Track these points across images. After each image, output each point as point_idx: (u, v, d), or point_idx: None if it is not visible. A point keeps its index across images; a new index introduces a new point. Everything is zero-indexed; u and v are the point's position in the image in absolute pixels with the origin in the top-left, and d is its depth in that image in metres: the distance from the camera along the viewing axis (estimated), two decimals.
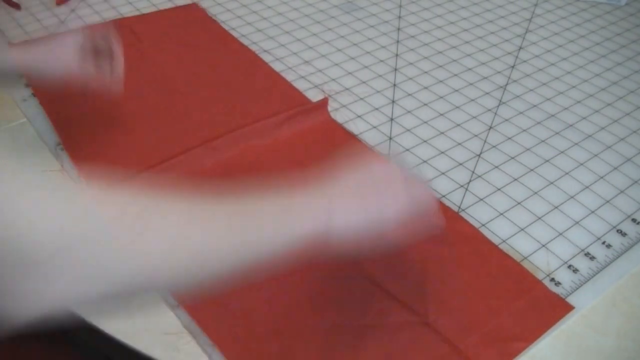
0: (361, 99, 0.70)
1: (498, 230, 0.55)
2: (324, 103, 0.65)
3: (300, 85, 0.70)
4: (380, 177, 0.40)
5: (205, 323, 0.45)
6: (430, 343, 0.46)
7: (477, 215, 0.56)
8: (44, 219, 0.31)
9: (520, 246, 0.53)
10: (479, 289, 0.49)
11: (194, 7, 0.83)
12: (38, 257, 0.30)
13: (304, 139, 0.61)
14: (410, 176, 0.42)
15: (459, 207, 0.57)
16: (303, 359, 0.44)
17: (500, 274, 0.51)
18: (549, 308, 0.48)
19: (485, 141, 0.65)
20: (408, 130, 0.65)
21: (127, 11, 0.83)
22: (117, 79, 0.54)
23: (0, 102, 0.67)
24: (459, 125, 0.67)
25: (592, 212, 0.57)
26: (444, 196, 0.58)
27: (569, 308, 0.48)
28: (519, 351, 0.45)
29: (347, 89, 0.71)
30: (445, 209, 0.56)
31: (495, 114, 0.69)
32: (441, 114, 0.68)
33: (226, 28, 0.80)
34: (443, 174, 0.60)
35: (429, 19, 0.86)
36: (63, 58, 0.52)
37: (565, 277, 0.51)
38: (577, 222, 0.56)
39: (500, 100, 0.71)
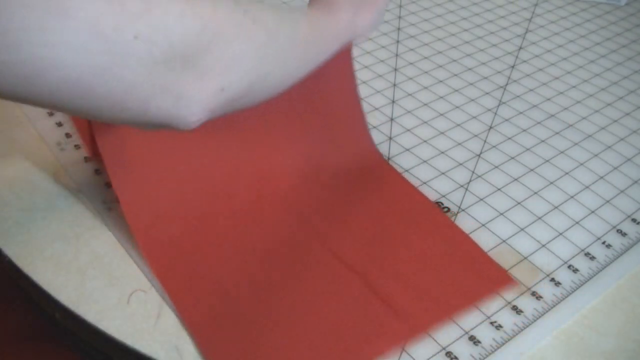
0: (361, 98, 0.69)
1: (498, 230, 0.55)
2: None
3: None
4: None
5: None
6: (368, 300, 0.48)
7: (477, 215, 0.56)
8: None
9: (520, 246, 0.53)
10: (426, 258, 0.51)
11: None
12: None
13: None
14: None
15: (459, 207, 0.57)
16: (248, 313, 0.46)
17: (450, 245, 0.53)
18: (492, 280, 0.50)
19: (485, 141, 0.65)
20: (408, 130, 0.65)
21: None
22: None
23: (0, 102, 0.67)
24: (459, 125, 0.67)
25: (592, 212, 0.57)
26: (443, 196, 0.58)
27: (513, 283, 0.50)
28: (453, 313, 0.48)
29: None
30: (404, 182, 0.58)
31: (495, 114, 0.69)
32: (441, 114, 0.68)
33: None
34: (443, 174, 0.60)
35: (429, 19, 0.86)
36: None
37: (565, 277, 0.51)
38: (577, 222, 0.56)
39: (500, 100, 0.71)
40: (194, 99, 0.32)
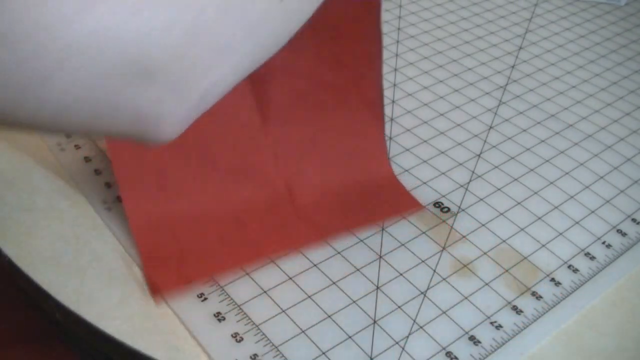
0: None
1: (498, 230, 0.55)
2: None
3: None
4: None
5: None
6: (279, 197, 0.50)
7: (477, 215, 0.56)
8: None
9: (520, 246, 0.53)
10: (343, 170, 0.54)
11: None
12: None
13: None
14: None
15: (459, 207, 0.57)
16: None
17: (369, 168, 0.55)
18: (398, 202, 0.54)
19: (485, 141, 0.65)
20: (408, 130, 0.65)
21: None
22: None
23: None
24: (459, 125, 0.67)
25: (592, 212, 0.57)
26: (443, 196, 0.58)
27: (418, 206, 0.54)
28: (355, 226, 0.51)
29: None
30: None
31: (495, 114, 0.69)
32: (441, 114, 0.68)
33: None
34: (443, 174, 0.60)
35: (429, 19, 0.86)
36: None
37: (565, 277, 0.51)
38: (577, 222, 0.56)
39: (500, 100, 0.71)
40: (165, 120, 0.26)
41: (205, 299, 0.47)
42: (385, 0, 0.89)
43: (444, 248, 0.53)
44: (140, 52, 0.22)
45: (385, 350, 0.46)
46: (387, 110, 0.68)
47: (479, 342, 0.46)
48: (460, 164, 0.62)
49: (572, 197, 0.59)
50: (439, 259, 0.52)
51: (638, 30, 0.86)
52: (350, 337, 0.46)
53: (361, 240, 0.53)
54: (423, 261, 0.52)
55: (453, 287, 0.50)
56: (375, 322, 0.48)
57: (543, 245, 0.54)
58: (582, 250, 0.54)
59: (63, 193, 0.56)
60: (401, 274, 0.51)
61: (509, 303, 0.49)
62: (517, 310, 0.49)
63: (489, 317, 0.48)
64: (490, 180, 0.60)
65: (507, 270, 0.52)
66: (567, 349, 0.46)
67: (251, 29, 0.26)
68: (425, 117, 0.68)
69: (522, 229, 0.55)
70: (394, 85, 0.72)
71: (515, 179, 0.60)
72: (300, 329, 0.47)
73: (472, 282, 0.51)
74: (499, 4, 0.91)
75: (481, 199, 0.58)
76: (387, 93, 0.71)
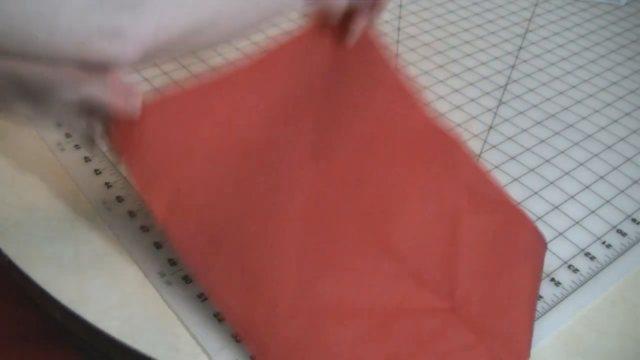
0: None
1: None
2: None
3: None
4: None
5: (226, 301, 0.42)
6: (457, 330, 0.43)
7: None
8: None
9: None
10: (509, 266, 0.47)
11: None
12: None
13: None
14: None
15: None
16: (328, 340, 0.42)
17: (526, 246, 0.49)
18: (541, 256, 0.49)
19: (485, 141, 0.65)
20: None
21: None
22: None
23: None
24: (459, 125, 0.67)
25: (592, 212, 0.57)
26: None
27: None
28: (534, 317, 0.45)
29: None
30: (484, 174, 0.51)
31: (495, 114, 0.69)
32: (441, 114, 0.68)
33: None
34: None
35: (429, 19, 0.86)
36: None
37: (565, 277, 0.51)
38: (577, 222, 0.56)
39: (500, 100, 0.71)
40: (128, 37, 0.33)
41: (205, 299, 0.47)
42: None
43: None
44: None
45: None
46: None
47: None
48: None
49: (572, 197, 0.59)
50: None
51: (638, 30, 0.86)
52: None
53: None
54: None
55: None
56: None
57: None
58: (582, 250, 0.54)
59: (63, 193, 0.56)
60: None
61: None
62: None
63: None
64: None
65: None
66: (567, 349, 0.46)
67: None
68: None
69: None
70: None
71: (515, 179, 0.60)
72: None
73: None
74: (499, 4, 0.90)
75: None
76: None
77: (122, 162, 0.44)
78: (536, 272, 0.48)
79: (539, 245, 0.50)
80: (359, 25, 0.51)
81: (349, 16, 0.49)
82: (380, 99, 0.50)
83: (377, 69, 0.51)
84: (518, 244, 0.49)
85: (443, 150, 0.50)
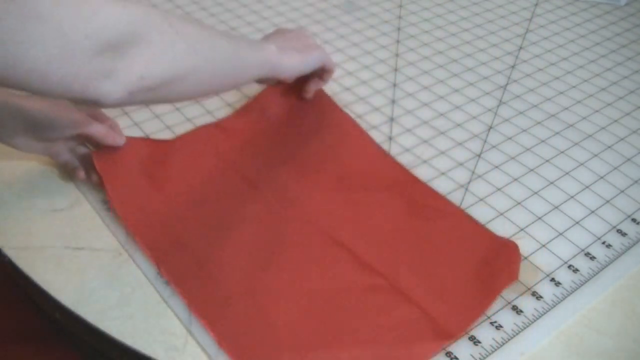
0: (361, 98, 0.70)
1: (498, 230, 0.55)
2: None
3: None
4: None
5: (183, 287, 0.48)
6: (400, 305, 0.48)
7: (477, 215, 0.56)
8: None
9: (520, 246, 0.53)
10: (451, 258, 0.52)
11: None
12: None
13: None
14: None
15: (460, 207, 0.57)
16: (276, 320, 0.46)
17: (473, 244, 0.53)
18: (514, 267, 0.51)
19: (485, 141, 0.65)
20: (408, 130, 0.65)
21: None
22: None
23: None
24: (459, 125, 0.67)
25: (592, 212, 0.57)
26: (444, 196, 0.58)
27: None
28: (485, 308, 0.48)
29: (347, 89, 0.71)
30: (427, 188, 0.58)
31: (495, 114, 0.69)
32: (441, 114, 0.68)
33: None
34: (443, 174, 0.60)
35: (429, 18, 0.86)
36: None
37: (565, 277, 0.51)
38: (577, 222, 0.56)
39: (500, 100, 0.71)
40: (118, 80, 0.40)
41: None
42: (385, 0, 0.89)
43: None
44: (117, 40, 0.40)
45: None
46: (387, 110, 0.68)
47: (479, 342, 0.46)
48: (460, 164, 0.62)
49: (572, 197, 0.59)
50: None
51: (638, 30, 0.86)
52: None
53: None
54: None
55: None
56: None
57: (543, 246, 0.54)
58: (582, 250, 0.54)
59: (63, 193, 0.56)
60: None
61: (509, 303, 0.49)
62: (517, 310, 0.49)
63: (489, 317, 0.48)
64: (491, 180, 0.60)
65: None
66: (567, 349, 0.46)
67: (175, 58, 0.44)
68: (425, 117, 0.67)
69: (522, 229, 0.55)
70: (394, 85, 0.72)
71: (515, 179, 0.60)
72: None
73: None
74: (499, 4, 0.90)
75: (481, 199, 0.58)
76: (387, 93, 0.71)
77: (101, 183, 0.55)
78: (486, 267, 0.51)
79: (493, 245, 0.53)
80: (312, 88, 0.65)
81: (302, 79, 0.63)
82: (334, 134, 0.64)
83: (329, 115, 0.66)
84: (463, 243, 0.53)
85: (388, 172, 0.60)
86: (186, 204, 0.55)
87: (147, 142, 0.60)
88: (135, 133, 0.63)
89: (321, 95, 0.67)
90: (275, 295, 0.48)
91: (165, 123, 0.64)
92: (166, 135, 0.63)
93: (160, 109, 0.66)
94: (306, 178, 0.59)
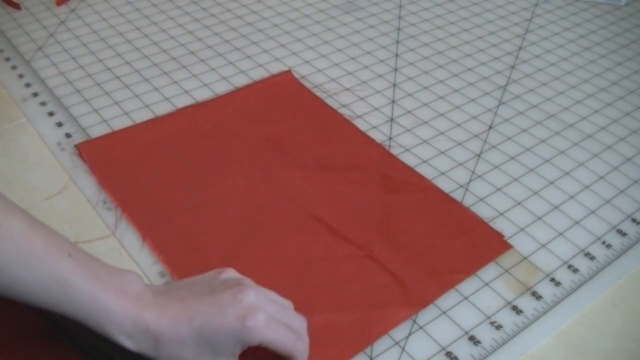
0: (361, 99, 0.70)
1: (498, 230, 0.55)
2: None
3: None
4: None
5: (166, 254, 0.51)
6: (374, 272, 0.50)
7: (478, 215, 0.56)
8: None
9: (520, 246, 0.53)
10: (424, 230, 0.54)
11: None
12: None
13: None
14: None
15: None
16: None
17: (445, 216, 0.55)
18: (489, 246, 0.53)
19: (485, 141, 0.65)
20: (408, 130, 0.65)
21: (127, 11, 0.83)
22: None
23: (0, 102, 0.67)
24: (459, 125, 0.67)
25: (592, 212, 0.57)
26: None
27: (507, 246, 0.53)
28: (457, 282, 0.50)
29: (347, 89, 0.71)
30: (400, 164, 0.61)
31: (495, 114, 0.69)
32: (441, 114, 0.68)
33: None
34: (443, 174, 0.60)
35: (429, 19, 0.86)
36: None
37: (565, 277, 0.51)
38: (577, 222, 0.56)
39: (500, 100, 0.71)
40: None
41: None
42: (385, 0, 0.90)
43: None
44: None
45: (386, 351, 0.46)
46: (387, 110, 0.68)
47: (479, 342, 0.46)
48: (460, 164, 0.62)
49: (572, 197, 0.59)
50: None
51: (638, 30, 0.86)
52: None
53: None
54: None
55: (453, 287, 0.50)
56: None
57: (543, 245, 0.54)
58: (582, 250, 0.54)
59: (63, 193, 0.56)
60: None
61: (509, 303, 0.49)
62: (517, 310, 0.49)
63: (489, 317, 0.48)
64: (490, 181, 0.60)
65: (507, 270, 0.52)
66: (567, 349, 0.46)
67: None
68: (425, 117, 0.68)
69: (522, 229, 0.55)
70: (394, 85, 0.72)
71: (515, 179, 0.60)
72: None
73: (472, 282, 0.51)
74: (499, 4, 0.91)
75: (481, 199, 0.58)
76: (387, 93, 0.71)
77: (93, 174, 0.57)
78: (459, 240, 0.53)
79: (465, 217, 0.55)
80: None
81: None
82: (309, 116, 0.66)
83: (303, 100, 0.68)
84: (435, 215, 0.56)
85: (363, 150, 0.62)
86: (172, 179, 0.58)
87: (132, 128, 0.63)
88: (126, 122, 0.63)
89: (291, 80, 0.70)
90: (251, 263, 0.50)
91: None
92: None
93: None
94: (285, 157, 0.61)
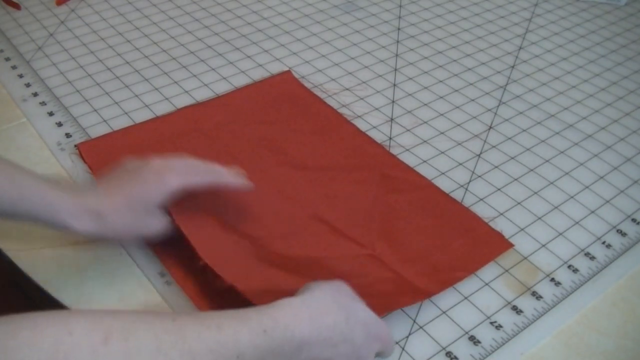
0: (361, 99, 0.70)
1: (498, 230, 0.55)
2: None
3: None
4: None
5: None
6: (376, 270, 0.51)
7: (477, 215, 0.56)
8: None
9: (520, 246, 0.53)
10: (424, 229, 0.55)
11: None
12: None
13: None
14: None
15: None
16: (256, 280, 0.48)
17: (446, 216, 0.56)
18: (489, 245, 0.53)
19: (485, 141, 0.65)
20: (408, 130, 0.65)
21: (127, 11, 0.83)
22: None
23: (0, 102, 0.67)
24: (459, 125, 0.67)
25: (592, 212, 0.57)
26: None
27: (508, 245, 0.53)
28: (458, 280, 0.51)
29: (347, 89, 0.71)
30: (401, 164, 0.61)
31: (495, 114, 0.69)
32: (441, 114, 0.68)
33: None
34: (443, 174, 0.60)
35: (429, 19, 0.86)
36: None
37: (565, 277, 0.51)
38: (577, 222, 0.56)
39: (500, 100, 0.71)
40: None
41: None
42: (385, 0, 0.90)
43: None
44: None
45: None
46: (387, 110, 0.68)
47: (479, 342, 0.46)
48: (460, 164, 0.62)
49: (572, 197, 0.59)
50: None
51: (638, 30, 0.86)
52: None
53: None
54: None
55: (453, 287, 0.50)
56: None
57: (543, 245, 0.54)
58: (582, 250, 0.54)
59: None
60: None
61: (509, 303, 0.49)
62: (517, 310, 0.49)
63: (489, 317, 0.48)
64: (490, 180, 0.60)
65: (507, 270, 0.52)
66: (567, 349, 0.46)
67: None
68: (425, 117, 0.68)
69: (522, 229, 0.55)
70: (394, 85, 0.72)
71: (515, 179, 0.60)
72: None
73: (472, 282, 0.51)
74: (498, 4, 0.90)
75: (481, 199, 0.58)
76: (387, 93, 0.71)
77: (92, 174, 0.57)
78: (459, 238, 0.54)
79: (463, 216, 0.56)
80: None
81: None
82: (310, 117, 0.66)
83: (304, 101, 0.68)
84: (434, 213, 0.56)
85: (363, 150, 0.63)
86: None
87: (132, 128, 0.63)
88: (126, 122, 0.63)
89: (291, 80, 0.70)
90: (252, 262, 0.50)
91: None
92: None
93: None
94: (285, 157, 0.61)
